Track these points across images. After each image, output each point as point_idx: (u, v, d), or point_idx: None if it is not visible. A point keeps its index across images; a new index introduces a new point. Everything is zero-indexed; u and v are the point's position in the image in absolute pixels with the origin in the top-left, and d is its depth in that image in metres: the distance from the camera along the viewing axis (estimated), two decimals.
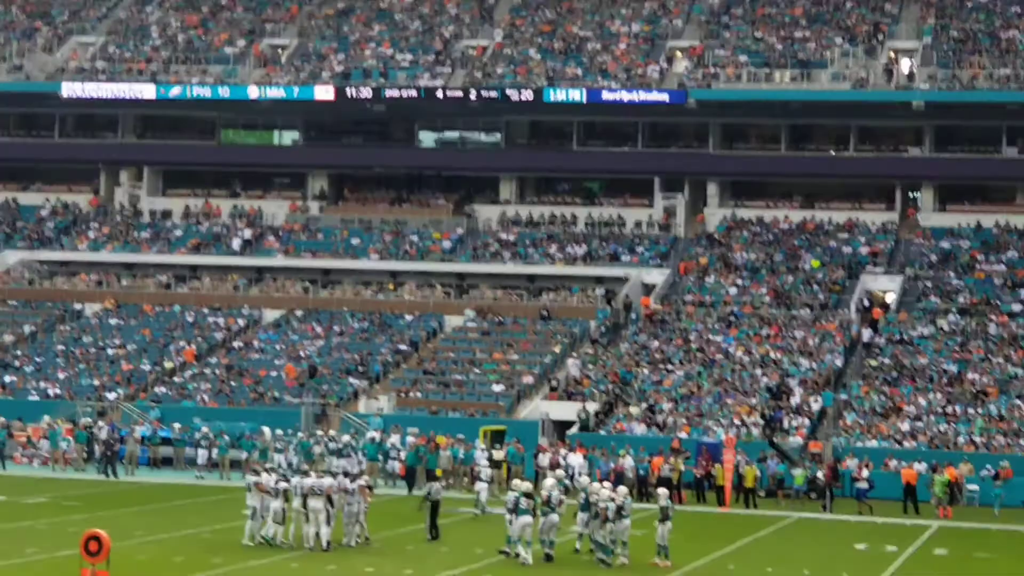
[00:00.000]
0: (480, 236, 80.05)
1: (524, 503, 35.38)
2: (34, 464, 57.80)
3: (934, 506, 50.63)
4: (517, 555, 35.15)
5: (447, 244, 78.92)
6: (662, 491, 37.78)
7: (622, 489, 36.53)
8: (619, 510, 35.11)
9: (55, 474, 55.37)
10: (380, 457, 54.73)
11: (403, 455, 54.06)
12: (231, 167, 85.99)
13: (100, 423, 59.23)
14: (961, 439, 57.85)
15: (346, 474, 38.86)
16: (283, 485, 36.87)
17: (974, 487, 53.99)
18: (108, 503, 46.34)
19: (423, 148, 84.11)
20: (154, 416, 61.88)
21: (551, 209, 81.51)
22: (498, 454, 53.19)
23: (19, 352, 71.99)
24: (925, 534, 45.00)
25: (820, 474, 52.12)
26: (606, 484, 38.67)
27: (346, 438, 55.45)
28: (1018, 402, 60.62)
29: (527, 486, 36.46)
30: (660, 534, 35.62)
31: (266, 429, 57.02)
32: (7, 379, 68.53)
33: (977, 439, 57.75)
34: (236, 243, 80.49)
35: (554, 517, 35.65)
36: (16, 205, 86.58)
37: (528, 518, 35.22)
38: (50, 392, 66.94)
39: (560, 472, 42.32)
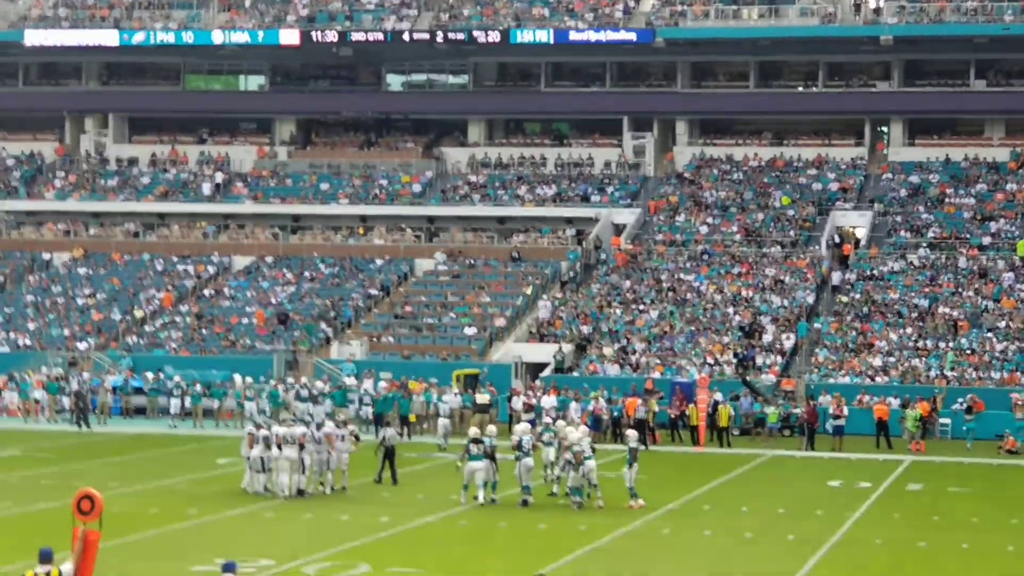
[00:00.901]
0: (449, 179, 79.78)
1: (474, 449, 35.42)
2: (3, 416, 57.58)
3: (907, 441, 50.86)
4: (476, 498, 35.26)
5: (417, 187, 78.61)
6: (631, 433, 37.80)
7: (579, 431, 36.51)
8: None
9: (27, 426, 55.18)
10: (354, 403, 54.58)
11: (369, 400, 53.98)
12: (197, 113, 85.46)
13: (73, 374, 59.08)
14: (933, 373, 58.04)
15: (319, 425, 38.75)
16: (263, 432, 36.82)
17: (946, 421, 54.22)
18: (81, 454, 46.25)
19: (391, 92, 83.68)
20: (126, 365, 61.66)
21: (520, 150, 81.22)
22: (482, 398, 53.12)
23: None
24: (898, 469, 45.20)
25: (799, 411, 52.10)
26: (583, 428, 38.61)
27: (320, 385, 55.38)
28: (989, 335, 60.83)
29: (474, 431, 36.64)
30: (628, 477, 35.62)
31: (237, 377, 57.00)
32: None
33: (949, 373, 57.95)
34: (206, 189, 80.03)
35: (528, 461, 35.66)
36: None
37: (478, 463, 35.23)
38: (20, 343, 66.68)
39: (547, 420, 41.74)
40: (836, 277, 66.94)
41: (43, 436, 51.56)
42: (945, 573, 28.18)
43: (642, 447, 40.45)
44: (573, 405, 51.89)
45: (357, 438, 39.29)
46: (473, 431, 36.89)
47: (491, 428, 37.17)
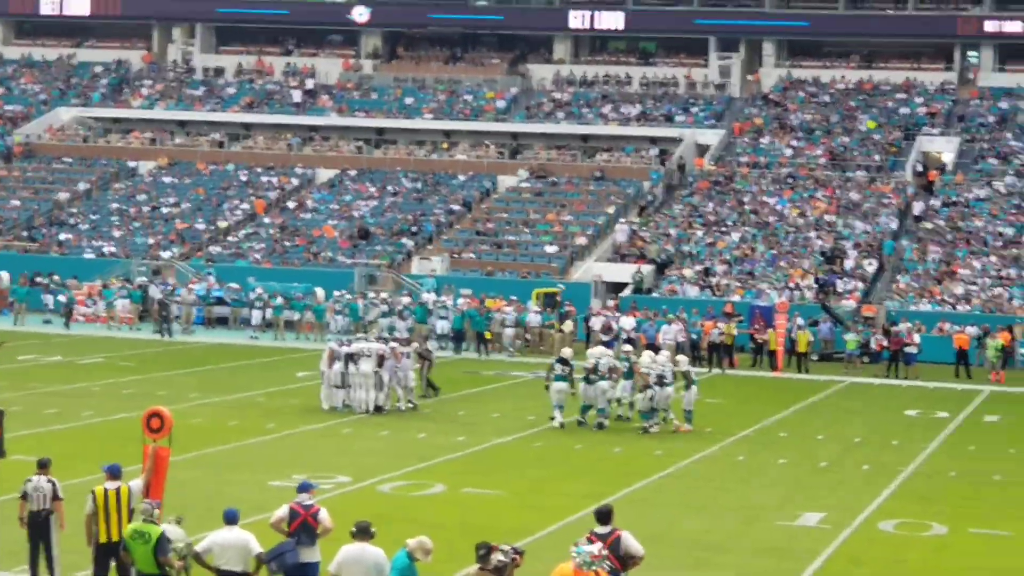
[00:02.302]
0: (534, 95, 79.60)
1: (559, 369, 35.51)
2: (97, 324, 58.11)
3: (987, 370, 50.49)
4: (552, 418, 35.47)
5: (501, 104, 78.50)
6: (681, 358, 37.67)
7: (662, 357, 36.51)
8: (660, 378, 35.08)
9: (111, 333, 55.82)
10: (443, 319, 54.65)
11: (451, 316, 54.18)
12: (284, 24, 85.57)
13: (156, 282, 59.69)
14: (1016, 303, 57.51)
15: (396, 339, 39.07)
16: (344, 349, 37.10)
17: None
18: (163, 364, 46.74)
19: (477, 6, 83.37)
20: (208, 275, 62.12)
21: (605, 69, 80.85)
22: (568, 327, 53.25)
23: (74, 210, 72.35)
24: (977, 399, 44.86)
25: (875, 339, 51.82)
26: (664, 353, 38.59)
27: (405, 299, 55.68)
28: None
29: (567, 352, 36.68)
30: (686, 399, 35.64)
31: (319, 290, 57.36)
32: (63, 237, 68.96)
33: None
34: (296, 97, 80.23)
35: (602, 384, 35.67)
36: (70, 62, 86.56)
37: (563, 384, 35.35)
38: (105, 250, 67.31)
39: (625, 348, 41.26)
40: (918, 207, 66.12)
41: (126, 344, 52.18)
42: (1020, 507, 28.06)
43: (703, 370, 40.15)
44: (665, 327, 51.68)
45: (421, 356, 39.57)
46: (566, 351, 36.89)
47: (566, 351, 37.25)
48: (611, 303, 57.80)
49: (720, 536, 24.69)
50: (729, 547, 23.95)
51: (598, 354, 36.56)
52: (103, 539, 18.50)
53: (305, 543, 17.85)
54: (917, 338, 50.67)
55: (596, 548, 15.88)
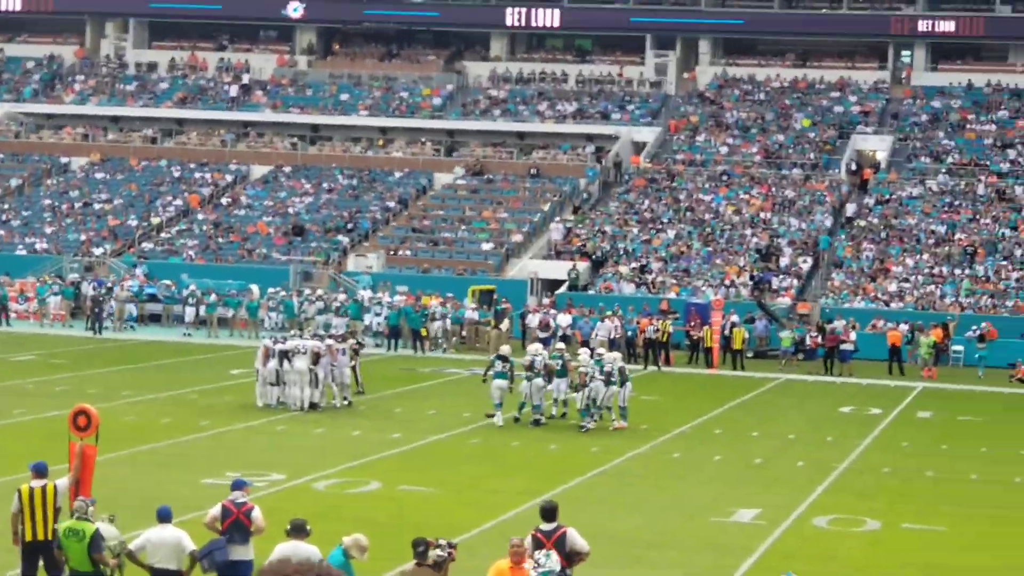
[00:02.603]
0: (470, 93, 79.46)
1: (499, 366, 35.46)
2: (30, 321, 57.55)
3: (919, 367, 50.82)
4: (491, 416, 35.37)
5: (437, 101, 78.32)
6: (616, 355, 37.61)
7: (610, 355, 36.54)
8: (608, 375, 35.08)
9: (43, 330, 55.33)
10: (377, 315, 54.49)
11: (385, 313, 54.02)
12: (217, 19, 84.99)
13: (88, 279, 59.18)
14: (948, 300, 57.93)
15: (332, 336, 38.91)
16: (279, 346, 36.89)
17: (959, 348, 54.12)
18: (95, 361, 46.36)
19: (413, 3, 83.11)
20: (141, 272, 61.69)
21: (542, 66, 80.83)
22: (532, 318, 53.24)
23: (6, 206, 71.69)
24: (909, 396, 45.16)
25: (810, 336, 52.13)
26: (600, 350, 38.61)
27: (341, 296, 55.50)
28: (1005, 263, 60.66)
29: (506, 349, 36.64)
30: (621, 396, 35.66)
31: (254, 287, 57.05)
32: None
33: (963, 300, 57.84)
34: (233, 91, 79.75)
35: (539, 381, 35.63)
36: (1, 57, 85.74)
37: (502, 382, 35.28)
38: (37, 247, 66.74)
39: (560, 345, 41.25)
40: (851, 209, 66.43)
41: (59, 341, 51.74)
42: (952, 503, 28.26)
43: (639, 367, 40.24)
44: (600, 324, 51.73)
45: (356, 352, 39.47)
46: (505, 349, 36.85)
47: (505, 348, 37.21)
48: (547, 300, 57.84)
49: (656, 533, 24.73)
50: (665, 544, 23.98)
51: (535, 351, 36.58)
52: (28, 537, 18.33)
53: (237, 541, 17.73)
54: (853, 335, 50.91)
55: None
